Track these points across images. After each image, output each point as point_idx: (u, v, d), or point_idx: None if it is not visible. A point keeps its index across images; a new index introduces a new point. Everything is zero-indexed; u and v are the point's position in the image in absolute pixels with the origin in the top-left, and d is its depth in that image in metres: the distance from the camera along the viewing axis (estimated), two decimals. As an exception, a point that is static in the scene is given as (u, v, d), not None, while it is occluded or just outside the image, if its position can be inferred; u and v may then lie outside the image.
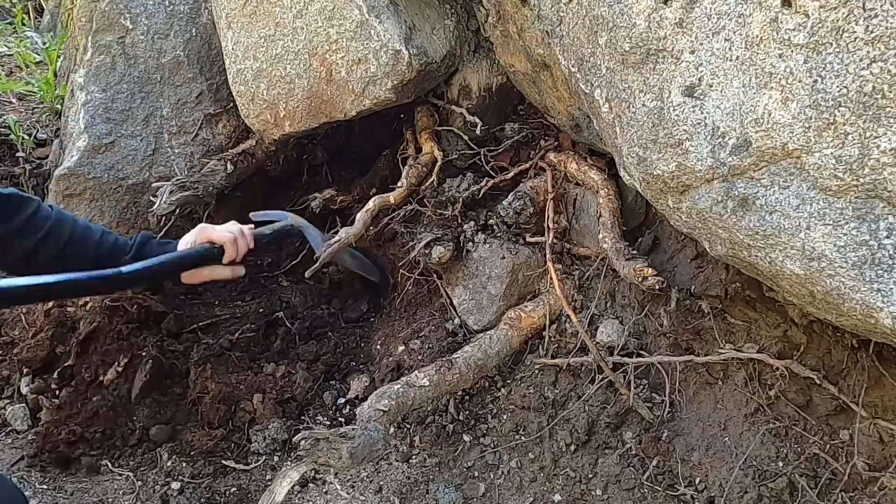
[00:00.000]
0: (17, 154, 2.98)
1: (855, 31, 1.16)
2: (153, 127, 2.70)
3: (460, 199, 2.45)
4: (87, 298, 2.52)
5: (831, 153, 1.23)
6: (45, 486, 2.11)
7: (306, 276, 2.23)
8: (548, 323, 2.28)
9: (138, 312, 2.46)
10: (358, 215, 2.36)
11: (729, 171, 1.39)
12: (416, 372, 2.08)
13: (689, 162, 1.46)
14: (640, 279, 1.98)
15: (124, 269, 1.38)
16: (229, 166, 2.62)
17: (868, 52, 1.15)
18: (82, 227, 1.53)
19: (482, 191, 2.49)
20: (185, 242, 1.59)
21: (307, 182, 2.96)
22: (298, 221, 2.00)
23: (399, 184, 2.53)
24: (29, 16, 4.13)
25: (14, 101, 3.27)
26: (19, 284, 1.21)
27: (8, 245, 1.41)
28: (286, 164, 2.89)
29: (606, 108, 1.67)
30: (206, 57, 2.77)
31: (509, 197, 2.42)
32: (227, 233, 1.59)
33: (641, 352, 2.16)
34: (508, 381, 2.31)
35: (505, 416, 2.25)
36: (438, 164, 2.55)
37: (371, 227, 2.49)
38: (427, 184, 2.53)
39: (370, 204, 2.40)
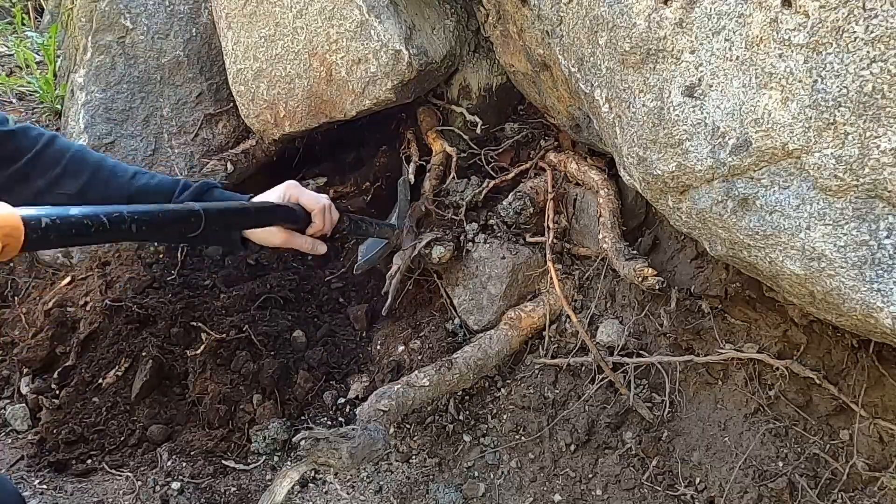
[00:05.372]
0: (17, 154, 2.97)
1: (855, 31, 1.16)
2: (153, 127, 2.70)
3: (464, 204, 2.45)
4: (88, 297, 2.52)
5: (831, 153, 1.23)
6: (44, 487, 2.11)
7: (382, 314, 2.35)
8: (548, 323, 2.28)
9: (138, 313, 2.45)
10: (405, 242, 2.32)
11: (729, 171, 1.39)
12: (416, 372, 2.08)
13: (689, 162, 1.46)
14: (640, 279, 1.98)
15: (196, 204, 1.12)
16: (229, 166, 2.62)
17: (868, 52, 1.15)
18: (110, 165, 1.29)
19: (484, 192, 2.49)
20: (275, 196, 1.40)
21: (303, 182, 2.95)
22: (382, 249, 2.03)
23: (423, 190, 2.52)
24: (29, 16, 4.12)
25: (14, 101, 3.26)
26: (66, 215, 0.90)
27: (11, 185, 1.20)
28: (284, 162, 2.90)
29: (606, 108, 1.67)
30: (206, 57, 2.77)
31: (509, 197, 2.42)
32: (318, 200, 1.39)
33: (641, 352, 2.16)
34: (508, 381, 2.31)
35: (505, 416, 2.25)
36: (454, 159, 2.53)
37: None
38: (448, 181, 2.53)
39: (407, 221, 2.35)
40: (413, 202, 2.37)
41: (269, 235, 1.38)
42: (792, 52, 1.24)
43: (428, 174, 2.55)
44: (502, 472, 2.17)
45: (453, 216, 2.45)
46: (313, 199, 1.39)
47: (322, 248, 1.45)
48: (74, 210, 0.92)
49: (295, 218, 1.37)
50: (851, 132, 1.20)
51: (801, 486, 1.87)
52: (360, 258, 2.24)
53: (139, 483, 2.15)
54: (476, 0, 2.36)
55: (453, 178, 2.53)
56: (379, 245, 2.18)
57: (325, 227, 1.42)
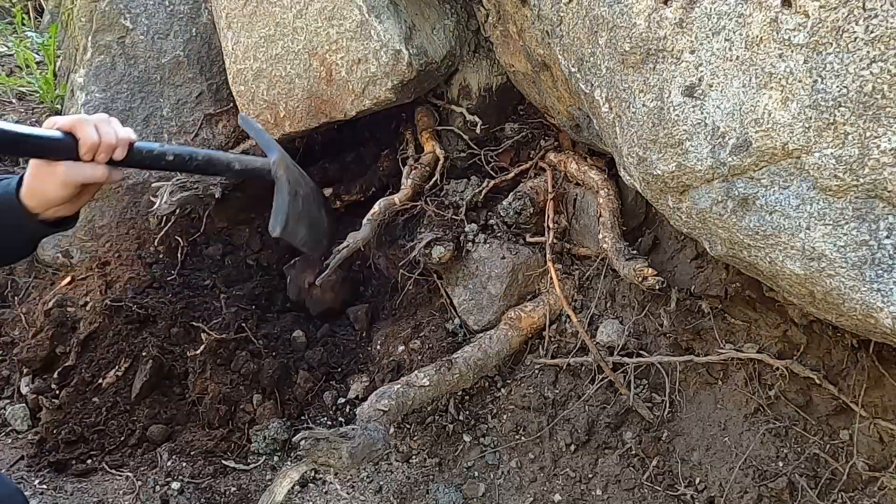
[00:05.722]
0: (17, 154, 2.97)
1: (855, 31, 1.16)
2: (153, 127, 2.70)
3: (463, 205, 2.45)
4: (88, 297, 2.52)
5: (831, 153, 1.23)
6: (44, 486, 2.11)
7: (316, 283, 2.20)
8: (548, 323, 2.28)
9: (138, 313, 2.45)
10: (365, 220, 2.34)
11: (729, 171, 1.39)
12: (416, 372, 2.08)
13: (689, 162, 1.46)
14: (640, 279, 1.98)
15: None
16: (229, 166, 2.62)
17: (868, 52, 1.15)
18: None
19: (483, 192, 2.49)
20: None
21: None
22: (279, 174, 1.37)
23: (403, 184, 2.52)
24: (29, 16, 4.12)
25: (14, 101, 3.26)
26: None
27: None
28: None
29: (606, 108, 1.67)
30: (206, 57, 2.77)
31: (509, 197, 2.42)
32: (76, 116, 1.11)
33: (641, 352, 2.16)
34: (508, 381, 2.31)
35: (505, 416, 2.25)
36: (441, 162, 2.54)
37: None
38: (431, 183, 2.53)
39: (376, 207, 2.37)
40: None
41: (46, 179, 1.10)
42: (792, 52, 1.24)
43: (413, 172, 2.53)
44: (502, 472, 2.17)
45: (453, 216, 2.44)
46: (70, 117, 1.11)
47: (116, 175, 1.17)
48: None
49: (54, 144, 1.09)
50: (851, 132, 1.20)
51: (801, 486, 1.87)
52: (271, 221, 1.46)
53: (139, 483, 2.15)
54: (476, 0, 2.36)
55: (436, 180, 2.51)
56: (280, 198, 1.42)
57: (104, 139, 1.11)
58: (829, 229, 1.28)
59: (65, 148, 1.10)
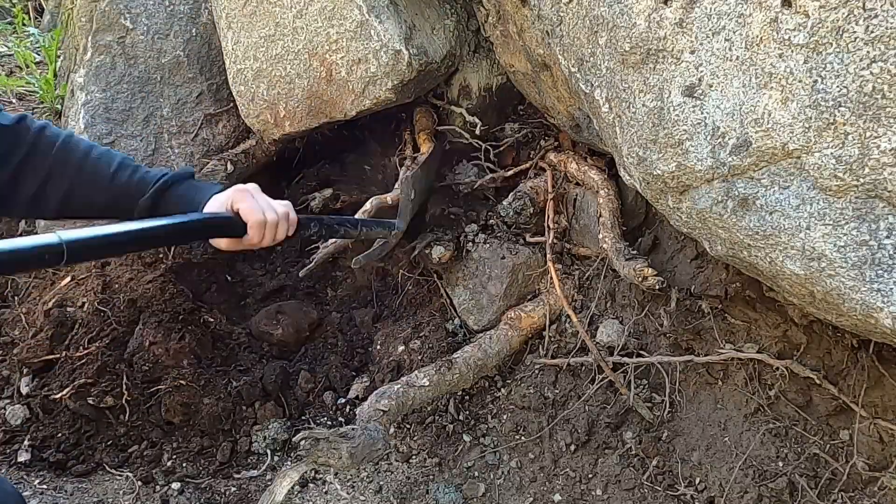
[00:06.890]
0: (18, 154, 2.97)
1: (855, 31, 1.16)
2: (153, 127, 2.70)
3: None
4: (87, 297, 2.52)
5: (831, 153, 1.23)
6: (44, 486, 2.11)
7: (300, 275, 2.26)
8: (548, 323, 2.28)
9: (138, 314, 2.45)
10: (355, 217, 2.36)
11: (729, 171, 1.39)
12: (416, 372, 2.09)
13: (689, 162, 1.46)
14: (640, 279, 1.98)
15: (57, 235, 1.00)
16: (229, 166, 2.62)
17: (868, 52, 1.15)
18: (94, 159, 1.29)
19: (499, 180, 2.50)
20: (218, 203, 1.30)
21: (304, 182, 2.95)
22: (391, 239, 2.07)
23: (396, 185, 2.53)
24: (29, 16, 4.12)
25: (14, 101, 3.26)
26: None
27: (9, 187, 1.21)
28: (284, 162, 2.89)
29: (606, 108, 1.67)
30: (206, 57, 2.77)
31: (509, 197, 2.42)
32: (257, 213, 1.27)
33: (641, 352, 2.16)
34: (508, 381, 2.31)
35: (505, 416, 2.25)
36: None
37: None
38: None
39: (367, 206, 2.39)
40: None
41: (215, 242, 1.31)
42: (792, 52, 1.24)
43: (407, 172, 2.53)
44: (502, 472, 2.17)
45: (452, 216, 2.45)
46: (250, 211, 1.27)
47: (280, 237, 1.35)
48: None
49: (232, 231, 1.28)
50: (851, 132, 1.20)
51: (801, 486, 1.87)
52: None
53: (139, 483, 2.15)
54: (476, 0, 2.36)
55: None
56: (378, 244, 2.20)
57: (264, 241, 1.30)
58: (829, 229, 1.28)
59: (236, 232, 1.29)
